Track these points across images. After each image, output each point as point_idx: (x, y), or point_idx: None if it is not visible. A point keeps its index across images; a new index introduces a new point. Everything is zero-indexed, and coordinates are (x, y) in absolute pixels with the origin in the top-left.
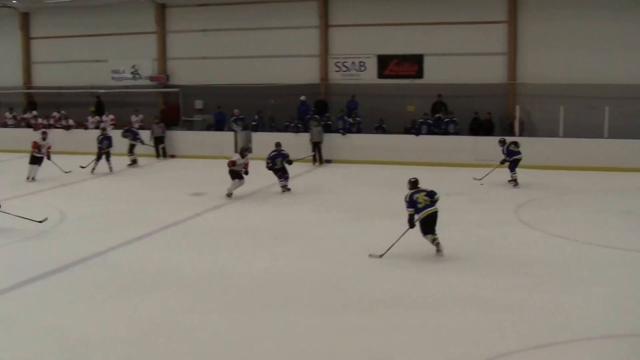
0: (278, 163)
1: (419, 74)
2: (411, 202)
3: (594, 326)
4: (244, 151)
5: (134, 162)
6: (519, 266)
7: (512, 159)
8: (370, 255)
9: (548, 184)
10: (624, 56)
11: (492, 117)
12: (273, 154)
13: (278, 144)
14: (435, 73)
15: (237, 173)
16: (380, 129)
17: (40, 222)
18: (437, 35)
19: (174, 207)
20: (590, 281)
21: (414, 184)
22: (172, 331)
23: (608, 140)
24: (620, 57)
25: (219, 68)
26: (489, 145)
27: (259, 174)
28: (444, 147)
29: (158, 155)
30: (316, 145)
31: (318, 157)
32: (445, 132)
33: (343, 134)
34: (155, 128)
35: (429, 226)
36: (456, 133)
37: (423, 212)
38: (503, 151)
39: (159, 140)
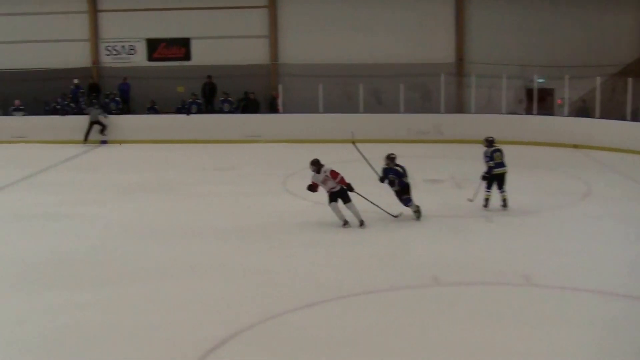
0: (395, 183)
1: (187, 57)
2: None
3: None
4: (314, 165)
5: None
6: (280, 234)
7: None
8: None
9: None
10: (374, 38)
11: (256, 96)
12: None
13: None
14: (202, 55)
15: (332, 194)
16: (153, 110)
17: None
18: (202, 20)
19: None
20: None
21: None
22: None
23: (363, 115)
24: (370, 39)
25: None
26: (256, 122)
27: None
28: (214, 125)
29: None
30: (95, 125)
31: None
32: (221, 111)
33: (117, 114)
34: None
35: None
36: (231, 112)
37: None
38: (486, 157)
39: None
